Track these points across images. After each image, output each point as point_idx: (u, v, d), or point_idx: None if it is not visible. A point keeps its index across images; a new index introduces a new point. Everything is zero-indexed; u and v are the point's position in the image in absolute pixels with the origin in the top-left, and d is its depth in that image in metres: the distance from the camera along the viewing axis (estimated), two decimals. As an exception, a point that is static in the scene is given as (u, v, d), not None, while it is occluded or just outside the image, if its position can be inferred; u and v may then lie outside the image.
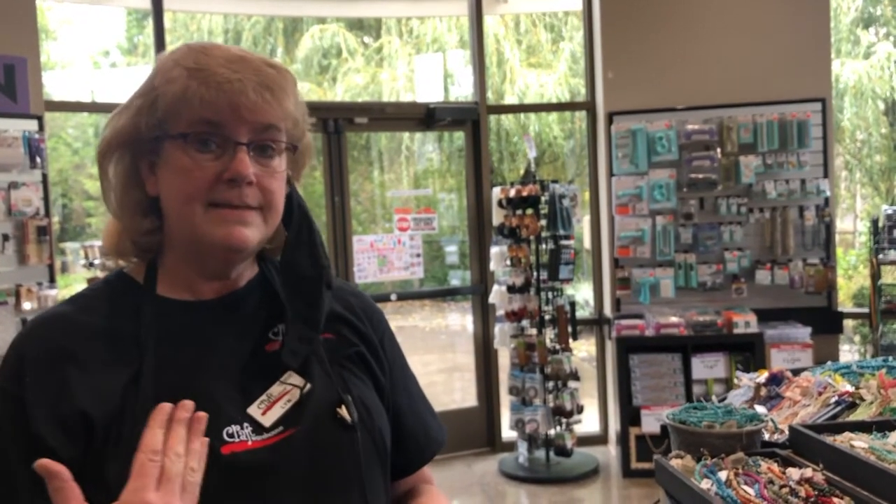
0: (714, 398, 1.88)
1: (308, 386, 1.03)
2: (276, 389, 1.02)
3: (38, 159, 4.14)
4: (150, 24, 5.64)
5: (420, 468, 1.23)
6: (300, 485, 0.99)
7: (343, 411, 1.03)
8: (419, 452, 1.21)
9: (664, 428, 1.66)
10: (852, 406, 1.80)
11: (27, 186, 4.11)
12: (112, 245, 1.06)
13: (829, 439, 1.43)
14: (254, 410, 0.99)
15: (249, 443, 0.97)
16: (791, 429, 1.54)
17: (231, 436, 0.96)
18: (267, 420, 0.99)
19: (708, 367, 4.85)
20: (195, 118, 0.98)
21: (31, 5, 4.32)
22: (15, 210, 4.07)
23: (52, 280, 4.27)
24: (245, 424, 0.98)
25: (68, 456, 0.92)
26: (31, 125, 4.18)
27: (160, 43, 5.04)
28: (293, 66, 10.95)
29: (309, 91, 10.56)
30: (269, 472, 0.97)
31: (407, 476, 1.21)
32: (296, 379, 1.03)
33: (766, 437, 1.63)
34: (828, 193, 4.95)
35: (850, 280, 8.91)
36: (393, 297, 5.57)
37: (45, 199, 4.25)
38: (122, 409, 0.94)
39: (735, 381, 2.16)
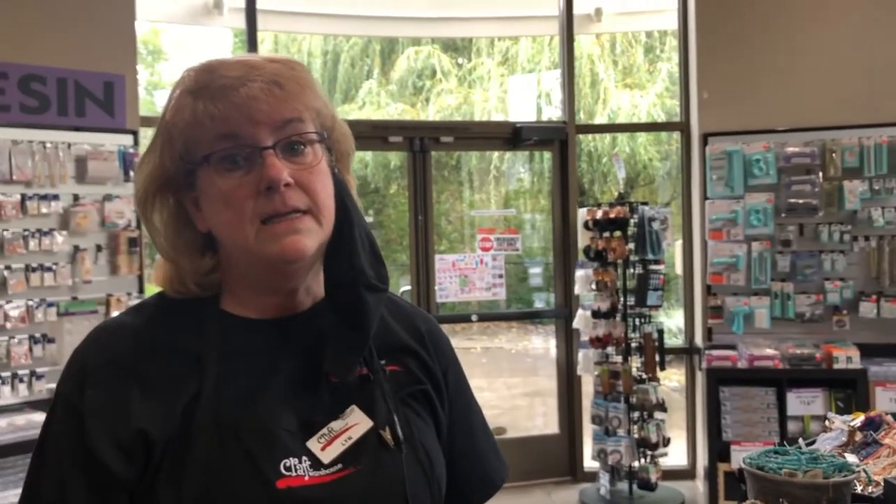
0: (801, 441, 1.72)
1: (371, 424, 0.98)
2: (337, 424, 0.97)
3: (131, 173, 4.27)
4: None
5: None
6: None
7: (386, 434, 0.98)
8: (472, 496, 1.15)
9: (741, 472, 1.53)
10: (961, 458, 1.62)
11: (120, 199, 4.24)
12: (170, 288, 1.02)
13: (929, 497, 1.27)
14: (313, 444, 0.95)
15: (306, 478, 0.92)
16: (886, 483, 1.38)
17: (288, 469, 0.92)
18: (326, 456, 0.95)
19: (805, 403, 4.57)
20: (211, 137, 0.93)
21: (130, 26, 4.48)
22: (108, 222, 4.20)
23: (140, 290, 4.39)
24: (303, 458, 0.94)
25: (124, 475, 0.90)
26: (127, 140, 4.33)
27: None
28: (388, 87, 11.08)
29: (402, 111, 10.66)
30: None
31: None
32: (358, 415, 0.98)
33: (859, 489, 1.48)
34: (942, 222, 4.62)
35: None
36: (474, 318, 5.50)
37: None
38: (179, 431, 0.92)
39: (827, 422, 1.98)
